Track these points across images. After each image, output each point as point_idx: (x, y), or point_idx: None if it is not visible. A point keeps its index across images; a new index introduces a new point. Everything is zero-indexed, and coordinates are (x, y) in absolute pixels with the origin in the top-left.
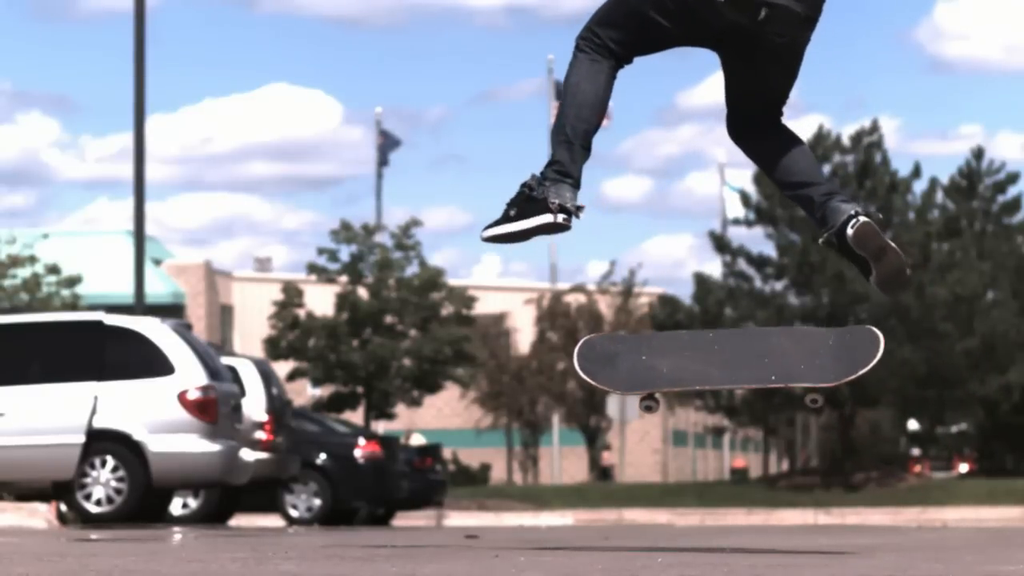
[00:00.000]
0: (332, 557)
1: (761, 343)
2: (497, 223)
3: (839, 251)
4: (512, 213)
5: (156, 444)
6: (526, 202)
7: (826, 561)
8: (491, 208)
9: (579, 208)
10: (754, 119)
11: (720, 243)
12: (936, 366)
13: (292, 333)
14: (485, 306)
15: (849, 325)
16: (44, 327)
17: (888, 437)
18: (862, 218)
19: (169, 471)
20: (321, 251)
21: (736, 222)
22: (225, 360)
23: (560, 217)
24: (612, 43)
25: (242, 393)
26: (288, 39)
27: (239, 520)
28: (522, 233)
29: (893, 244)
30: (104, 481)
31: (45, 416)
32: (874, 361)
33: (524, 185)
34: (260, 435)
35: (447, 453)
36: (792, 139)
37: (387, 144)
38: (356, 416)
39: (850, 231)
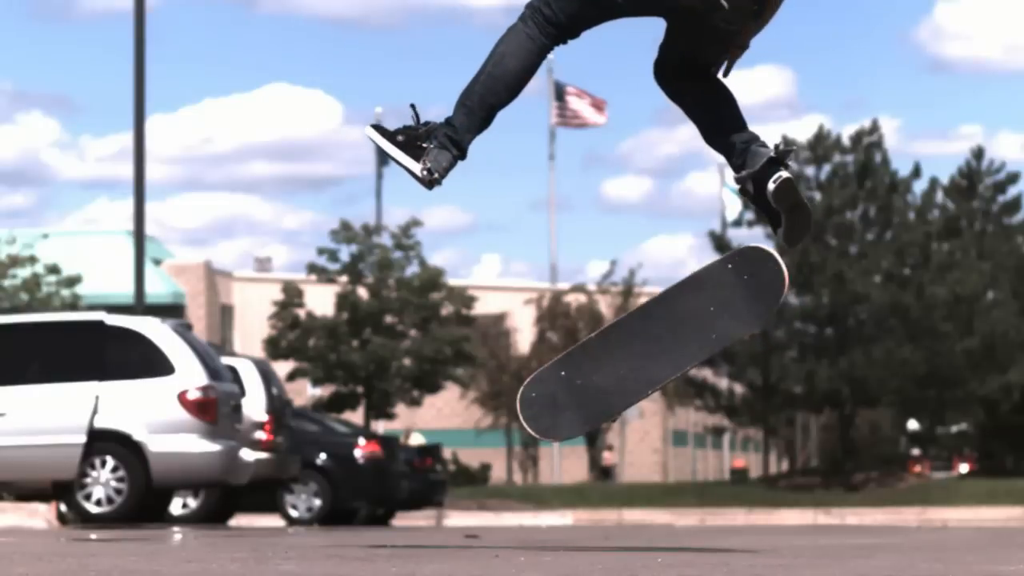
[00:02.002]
0: (332, 557)
1: (675, 313)
2: (384, 133)
3: (753, 198)
4: (399, 138)
5: (156, 444)
6: (411, 141)
7: (826, 561)
8: (491, 208)
9: (439, 176)
10: (683, 69)
11: (720, 243)
12: (936, 366)
13: (292, 333)
14: (485, 306)
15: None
16: (45, 327)
17: (888, 437)
18: (784, 174)
19: (169, 471)
20: (321, 251)
21: (736, 223)
22: (225, 360)
23: (427, 180)
24: (563, 15)
25: (242, 393)
26: (288, 39)
27: (239, 520)
28: (392, 159)
29: (805, 200)
30: (104, 481)
31: (46, 416)
32: (786, 280)
33: (423, 125)
34: (260, 435)
35: (447, 453)
36: (718, 88)
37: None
38: (356, 416)
39: (772, 185)
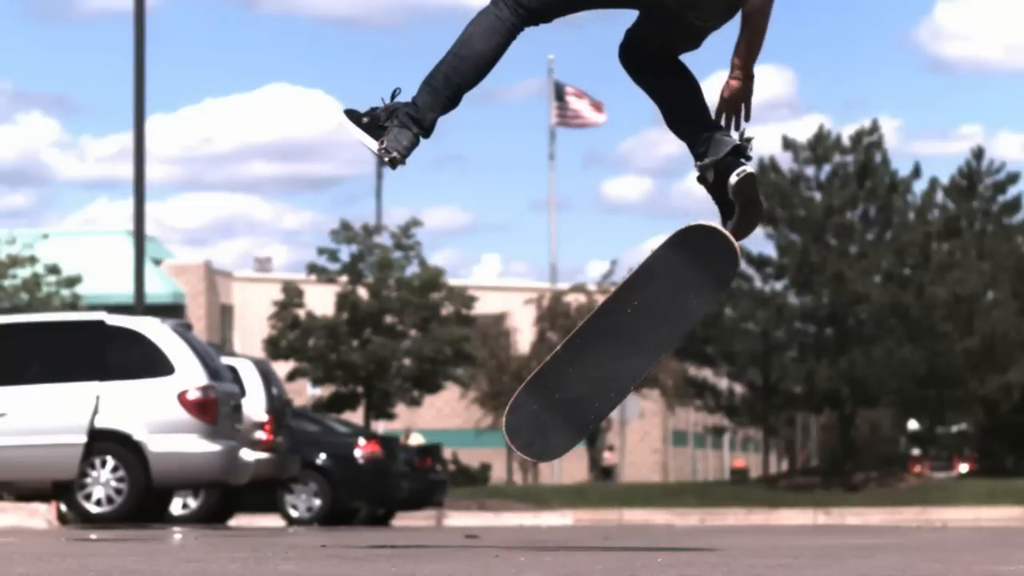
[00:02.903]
0: (332, 557)
1: (638, 304)
2: (351, 116)
3: (710, 187)
4: (365, 120)
5: (156, 444)
6: (374, 122)
7: (826, 561)
8: (491, 208)
9: (399, 154)
10: (651, 56)
11: None
12: (936, 366)
13: (292, 333)
14: (485, 306)
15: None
16: (46, 327)
17: (888, 437)
18: (749, 169)
19: (169, 471)
20: (321, 251)
21: None
22: (225, 360)
23: (386, 158)
24: (536, 1)
25: (242, 393)
26: (288, 39)
27: (239, 520)
28: (357, 140)
29: (761, 198)
30: (104, 481)
31: (47, 416)
32: (736, 250)
33: (386, 108)
34: (260, 435)
35: (447, 453)
36: (685, 75)
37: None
38: (356, 416)
39: (735, 179)
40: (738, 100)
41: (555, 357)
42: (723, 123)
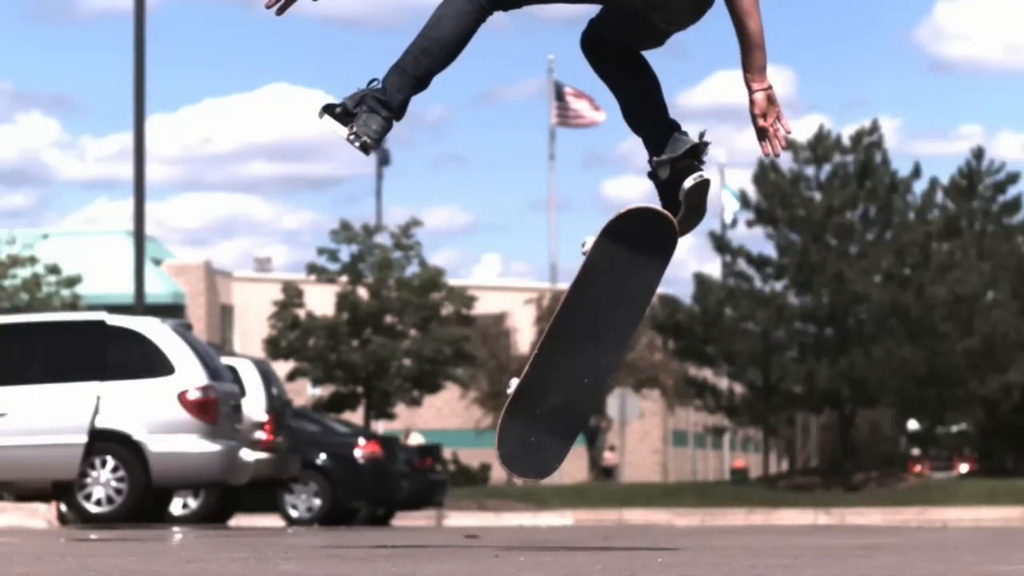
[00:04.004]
0: (332, 557)
1: (592, 299)
2: (326, 108)
3: (661, 183)
4: (337, 110)
5: (156, 444)
6: (346, 111)
7: (826, 561)
8: (491, 208)
9: (369, 140)
10: (613, 49)
11: (720, 243)
12: (936, 366)
13: (292, 333)
14: (485, 306)
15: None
16: (47, 327)
17: (888, 437)
18: (706, 176)
19: (169, 471)
20: (321, 251)
21: (734, 225)
22: (225, 360)
23: (356, 143)
24: None
25: (242, 393)
26: (288, 39)
27: (239, 520)
28: (330, 130)
29: (706, 205)
30: (104, 481)
31: (48, 416)
32: (674, 221)
33: (354, 95)
34: (260, 435)
35: (447, 453)
36: (646, 70)
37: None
38: (356, 416)
39: (691, 182)
40: (768, 113)
41: (526, 376)
42: (768, 148)
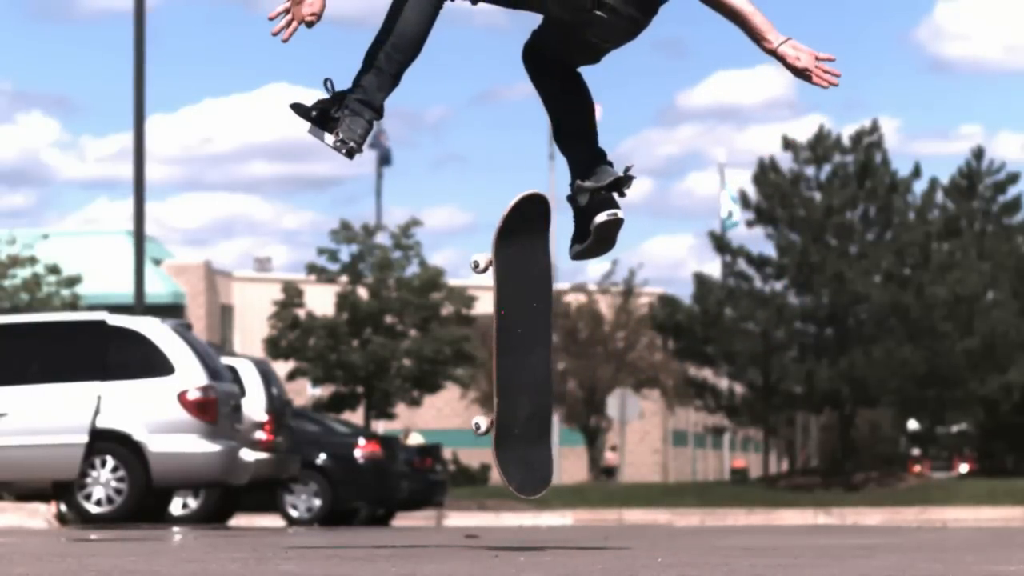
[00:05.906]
0: (332, 557)
1: (515, 303)
2: (300, 110)
3: (578, 208)
4: (314, 113)
5: (156, 444)
6: (324, 114)
7: (826, 561)
8: (491, 208)
9: (355, 144)
10: (551, 62)
11: (720, 243)
12: (936, 366)
13: (292, 333)
14: (485, 306)
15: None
16: (47, 327)
17: (888, 437)
18: (620, 215)
19: (169, 471)
20: (321, 251)
21: (733, 225)
22: (225, 360)
23: (343, 150)
24: None
25: (242, 393)
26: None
27: (239, 520)
28: (310, 134)
29: (616, 239)
30: (104, 481)
31: (48, 416)
32: (545, 200)
33: (334, 98)
34: (260, 435)
35: (447, 453)
36: (582, 90)
37: (380, 155)
38: (356, 416)
39: (604, 217)
40: (804, 62)
41: (498, 409)
42: (823, 81)
